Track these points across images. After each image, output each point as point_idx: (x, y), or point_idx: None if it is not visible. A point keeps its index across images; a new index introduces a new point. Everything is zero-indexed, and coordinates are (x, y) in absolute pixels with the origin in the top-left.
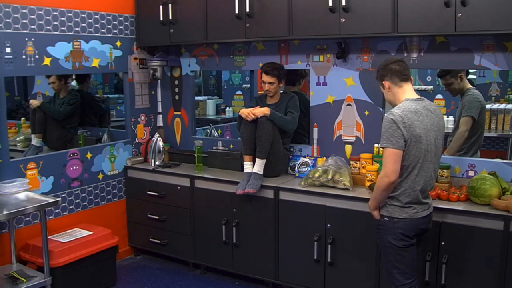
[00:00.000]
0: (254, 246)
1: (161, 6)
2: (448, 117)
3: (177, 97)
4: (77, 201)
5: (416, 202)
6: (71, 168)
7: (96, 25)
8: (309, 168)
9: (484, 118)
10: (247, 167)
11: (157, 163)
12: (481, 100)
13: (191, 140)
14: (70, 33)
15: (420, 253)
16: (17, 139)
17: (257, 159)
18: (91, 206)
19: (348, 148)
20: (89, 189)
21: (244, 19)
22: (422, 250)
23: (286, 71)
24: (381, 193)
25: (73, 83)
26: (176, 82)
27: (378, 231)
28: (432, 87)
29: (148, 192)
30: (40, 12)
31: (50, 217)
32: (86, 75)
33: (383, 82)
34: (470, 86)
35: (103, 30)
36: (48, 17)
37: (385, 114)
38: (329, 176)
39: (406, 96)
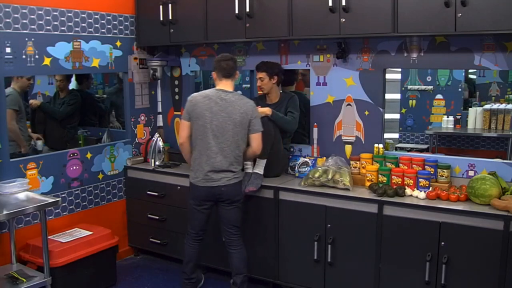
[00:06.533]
0: (254, 246)
1: (161, 6)
2: (448, 117)
3: (177, 97)
4: (77, 201)
5: (201, 172)
6: (71, 168)
7: (96, 25)
8: (309, 168)
9: None
10: (248, 167)
11: (157, 163)
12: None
13: None
14: (70, 33)
15: (226, 222)
16: None
17: (257, 159)
18: (91, 206)
19: (348, 148)
20: (89, 189)
21: (244, 19)
22: (227, 221)
23: (280, 70)
24: (183, 155)
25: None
26: (176, 82)
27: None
28: (432, 87)
29: (148, 192)
30: (40, 12)
31: (50, 217)
32: (86, 75)
33: (212, 73)
34: None
35: (103, 30)
36: (48, 17)
37: None
38: (329, 176)
39: (219, 87)
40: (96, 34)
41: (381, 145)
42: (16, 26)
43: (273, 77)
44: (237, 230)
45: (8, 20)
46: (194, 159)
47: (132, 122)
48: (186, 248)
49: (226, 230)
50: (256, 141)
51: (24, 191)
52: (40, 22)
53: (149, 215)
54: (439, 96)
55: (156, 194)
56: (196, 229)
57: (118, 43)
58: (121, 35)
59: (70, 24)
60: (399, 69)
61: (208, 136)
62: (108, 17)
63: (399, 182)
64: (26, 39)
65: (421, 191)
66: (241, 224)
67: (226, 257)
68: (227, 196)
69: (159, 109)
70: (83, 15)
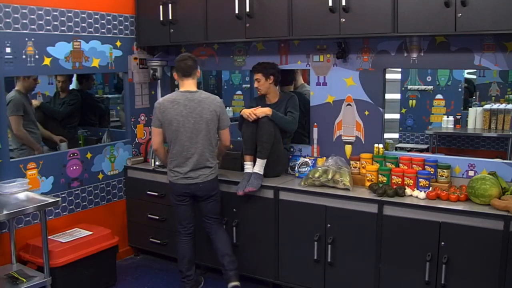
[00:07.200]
0: (254, 246)
1: (161, 6)
2: (448, 117)
3: None
4: (77, 201)
5: (178, 171)
6: (71, 168)
7: (96, 25)
8: (309, 168)
9: None
10: (248, 167)
11: (157, 163)
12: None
13: None
14: (70, 33)
15: (204, 214)
16: None
17: (257, 159)
18: (91, 206)
19: (348, 148)
20: (89, 189)
21: (244, 19)
22: (206, 213)
23: (276, 69)
24: (159, 159)
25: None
26: (176, 82)
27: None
28: (432, 87)
29: (148, 192)
30: (40, 12)
31: (50, 217)
32: (86, 75)
33: (173, 74)
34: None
35: (103, 30)
36: (48, 17)
37: None
38: (329, 176)
39: (183, 88)
40: (96, 34)
41: (381, 145)
42: (16, 26)
43: (269, 77)
44: (215, 220)
45: (8, 20)
46: (171, 161)
47: (132, 122)
48: (178, 246)
49: (205, 221)
50: (225, 135)
51: (24, 191)
52: (40, 22)
53: (149, 215)
54: (439, 96)
55: (156, 194)
56: (183, 223)
57: (118, 43)
58: (121, 35)
59: (70, 24)
60: (399, 69)
61: (183, 139)
62: (108, 17)
63: (399, 182)
64: (26, 39)
65: (421, 191)
66: (221, 214)
67: None
68: (205, 191)
69: None
70: (83, 15)
